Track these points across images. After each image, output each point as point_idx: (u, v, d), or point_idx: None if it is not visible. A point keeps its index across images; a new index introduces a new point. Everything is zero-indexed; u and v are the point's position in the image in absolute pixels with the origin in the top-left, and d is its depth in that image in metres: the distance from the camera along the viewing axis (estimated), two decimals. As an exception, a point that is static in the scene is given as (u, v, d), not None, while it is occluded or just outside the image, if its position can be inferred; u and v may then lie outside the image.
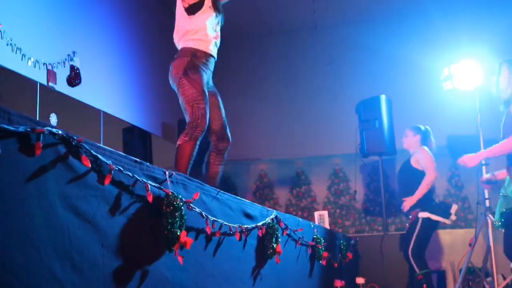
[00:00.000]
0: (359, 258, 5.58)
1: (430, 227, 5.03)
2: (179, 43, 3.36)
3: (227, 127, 3.45)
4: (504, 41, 6.46)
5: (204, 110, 3.16)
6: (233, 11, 7.57)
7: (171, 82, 3.28)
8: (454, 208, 5.01)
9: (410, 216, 5.11)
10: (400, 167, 5.39)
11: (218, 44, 3.44)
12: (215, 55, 3.40)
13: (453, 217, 5.01)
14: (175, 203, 1.87)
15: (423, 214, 4.97)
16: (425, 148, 5.19)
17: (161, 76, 7.30)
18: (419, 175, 5.06)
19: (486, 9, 7.05)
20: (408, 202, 5.05)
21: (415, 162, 5.16)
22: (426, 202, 5.00)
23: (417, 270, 4.86)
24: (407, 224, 5.17)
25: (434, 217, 4.96)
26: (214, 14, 3.36)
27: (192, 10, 3.29)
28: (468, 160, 4.02)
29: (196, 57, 3.24)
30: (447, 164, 6.52)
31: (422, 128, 5.33)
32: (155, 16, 6.71)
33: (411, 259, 4.92)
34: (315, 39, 7.56)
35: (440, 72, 6.36)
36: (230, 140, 3.47)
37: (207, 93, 3.25)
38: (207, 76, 3.32)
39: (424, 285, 4.82)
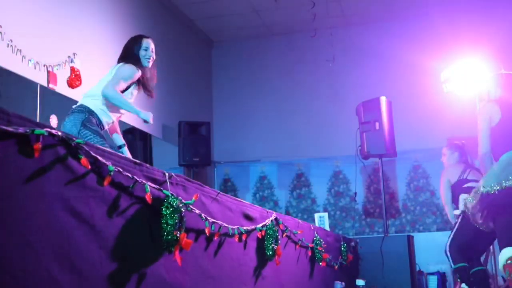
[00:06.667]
0: (359, 260, 5.56)
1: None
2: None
3: None
4: (505, 43, 6.46)
5: None
6: (234, 14, 7.56)
7: None
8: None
9: None
10: None
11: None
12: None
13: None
14: (174, 204, 1.87)
15: None
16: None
17: (161, 78, 7.29)
18: None
19: (487, 11, 7.05)
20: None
21: None
22: None
23: None
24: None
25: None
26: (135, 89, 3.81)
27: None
28: None
29: None
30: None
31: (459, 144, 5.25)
32: (155, 18, 6.72)
33: None
34: (315, 41, 7.55)
35: (440, 74, 6.36)
36: None
37: None
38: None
39: None
